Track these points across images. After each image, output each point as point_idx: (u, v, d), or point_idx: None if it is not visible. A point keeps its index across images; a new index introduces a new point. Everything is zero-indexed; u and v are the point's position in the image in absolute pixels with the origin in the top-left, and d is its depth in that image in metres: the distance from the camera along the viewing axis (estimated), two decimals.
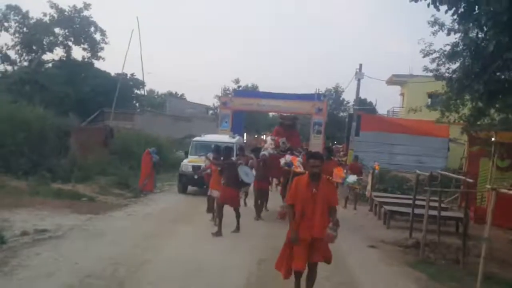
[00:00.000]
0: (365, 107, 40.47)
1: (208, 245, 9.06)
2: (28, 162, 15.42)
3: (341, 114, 51.27)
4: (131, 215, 11.80)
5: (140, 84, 56.86)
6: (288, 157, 11.51)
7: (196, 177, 14.95)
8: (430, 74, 11.29)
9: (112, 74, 48.43)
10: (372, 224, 12.93)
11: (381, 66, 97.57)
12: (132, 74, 54.32)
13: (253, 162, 12.75)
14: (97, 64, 40.76)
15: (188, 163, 16.53)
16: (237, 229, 10.37)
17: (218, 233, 9.85)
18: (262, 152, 12.79)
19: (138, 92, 58.45)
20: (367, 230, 11.73)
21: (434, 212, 10.79)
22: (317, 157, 6.00)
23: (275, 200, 13.25)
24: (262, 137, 66.36)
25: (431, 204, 11.71)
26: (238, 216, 10.45)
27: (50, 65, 39.49)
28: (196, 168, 14.90)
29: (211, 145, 15.58)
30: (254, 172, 12.10)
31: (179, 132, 39.56)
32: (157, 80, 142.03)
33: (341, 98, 51.85)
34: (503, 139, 11.60)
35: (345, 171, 10.83)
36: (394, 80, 38.23)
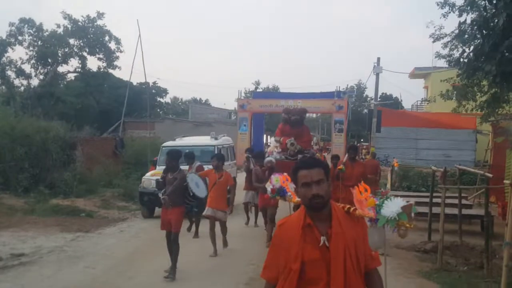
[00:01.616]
0: (387, 102, 39.23)
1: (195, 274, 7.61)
2: (29, 177, 14.86)
3: (365, 111, 49.98)
4: (123, 231, 11.06)
5: (163, 92, 57.29)
6: (275, 179, 6.70)
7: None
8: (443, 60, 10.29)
9: (134, 83, 49.15)
10: None
11: (405, 59, 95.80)
12: (154, 83, 54.74)
13: (258, 171, 9.94)
14: (117, 73, 40.57)
15: (151, 177, 12.68)
16: (171, 274, 7.19)
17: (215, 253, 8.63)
18: (268, 158, 9.92)
19: (162, 100, 59.01)
20: None
21: (456, 211, 9.81)
22: (310, 164, 2.74)
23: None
24: None
25: (453, 202, 10.75)
26: (176, 249, 7.35)
27: (72, 77, 39.72)
28: (161, 184, 10.75)
29: (185, 150, 11.81)
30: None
31: None
32: (183, 86, 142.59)
33: (364, 95, 50.56)
34: None
35: (381, 189, 7.03)
36: (417, 73, 36.90)
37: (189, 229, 10.31)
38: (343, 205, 2.84)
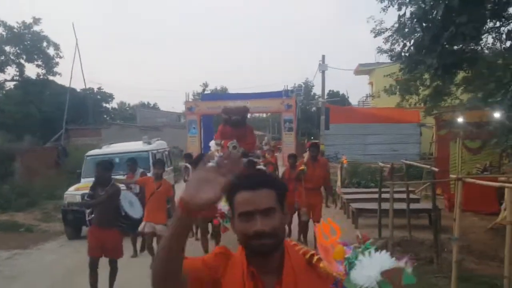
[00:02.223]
0: (334, 99, 39.62)
1: None
2: None
3: (313, 109, 50.36)
4: (64, 245, 10.45)
5: (109, 97, 55.91)
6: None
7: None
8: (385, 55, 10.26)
9: (78, 89, 47.62)
10: (340, 225, 11.53)
11: (350, 56, 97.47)
12: (99, 88, 53.33)
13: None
14: (59, 80, 39.10)
15: (75, 191, 11.16)
16: None
17: None
18: (208, 165, 8.10)
19: (108, 105, 57.59)
20: None
21: (405, 206, 9.80)
22: (255, 183, 1.80)
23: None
24: None
25: (402, 196, 10.74)
26: (114, 274, 6.61)
27: (11, 85, 38.01)
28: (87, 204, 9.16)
29: (114, 159, 11.34)
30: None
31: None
32: (129, 92, 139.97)
33: (312, 93, 50.95)
34: (471, 119, 10.61)
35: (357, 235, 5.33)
36: (361, 69, 37.47)
37: (135, 255, 8.87)
38: (304, 250, 1.84)
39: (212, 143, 10.02)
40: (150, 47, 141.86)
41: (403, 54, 7.98)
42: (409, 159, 18.70)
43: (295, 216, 9.41)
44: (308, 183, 8.88)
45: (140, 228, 7.68)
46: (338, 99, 43.45)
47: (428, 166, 8.41)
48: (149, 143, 13.15)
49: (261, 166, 9.01)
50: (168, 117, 56.48)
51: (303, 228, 9.31)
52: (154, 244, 7.61)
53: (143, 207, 7.79)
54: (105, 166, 6.52)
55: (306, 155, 9.47)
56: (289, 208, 9.17)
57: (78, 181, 12.18)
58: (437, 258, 7.31)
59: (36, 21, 35.35)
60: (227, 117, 9.91)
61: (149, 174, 9.86)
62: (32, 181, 16.40)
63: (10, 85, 38.53)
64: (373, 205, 10.23)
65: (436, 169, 7.41)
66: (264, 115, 65.25)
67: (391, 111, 24.57)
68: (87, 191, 9.69)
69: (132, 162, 9.96)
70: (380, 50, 10.27)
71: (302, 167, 8.95)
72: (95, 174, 6.61)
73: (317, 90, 55.79)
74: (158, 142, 13.92)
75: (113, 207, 6.35)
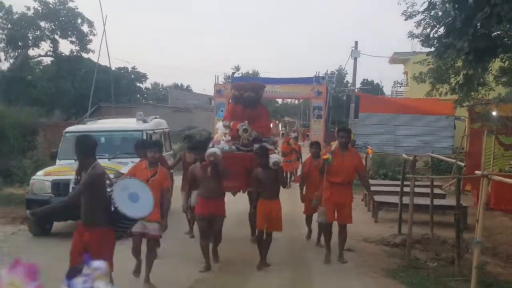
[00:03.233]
0: (366, 87, 38.68)
1: None
2: None
3: (344, 97, 49.43)
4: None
5: (142, 77, 56.18)
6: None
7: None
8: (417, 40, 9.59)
9: (113, 68, 48.01)
10: (359, 217, 10.79)
11: (386, 44, 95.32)
12: (133, 68, 53.61)
13: (195, 169, 6.96)
14: (96, 58, 39.41)
15: (44, 177, 9.11)
16: None
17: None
18: (210, 150, 6.90)
19: (141, 85, 57.90)
20: (350, 226, 9.99)
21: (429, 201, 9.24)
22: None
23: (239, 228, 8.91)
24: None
25: (426, 191, 10.15)
26: None
27: (48, 61, 38.48)
28: (62, 188, 8.54)
29: (99, 137, 9.14)
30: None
31: (179, 124, 38.50)
32: (163, 72, 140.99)
33: (345, 81, 49.92)
34: (506, 112, 9.90)
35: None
36: (396, 58, 36.37)
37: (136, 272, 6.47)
38: None
39: (219, 125, 8.50)
40: (187, 28, 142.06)
41: (432, 36, 7.35)
42: (441, 152, 18.00)
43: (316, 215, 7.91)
44: (335, 177, 7.13)
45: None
46: (369, 88, 42.34)
47: (453, 160, 7.79)
48: (144, 121, 10.86)
49: (275, 154, 7.55)
50: (199, 99, 56.47)
51: (323, 230, 7.58)
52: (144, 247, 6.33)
53: None
54: (84, 145, 4.87)
55: (334, 143, 8.27)
56: (308, 206, 8.09)
57: (54, 162, 10.27)
58: (459, 259, 6.76)
59: None
60: (238, 94, 8.33)
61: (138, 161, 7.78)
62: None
63: (47, 61, 39.07)
64: (395, 199, 9.67)
65: (463, 164, 6.82)
66: (296, 101, 64.54)
67: (425, 102, 23.72)
68: (60, 177, 8.78)
69: (142, 145, 7.48)
70: (412, 35, 9.62)
71: (327, 155, 7.14)
72: (76, 156, 5.07)
73: (350, 78, 54.84)
74: (155, 121, 11.60)
75: (97, 200, 4.72)
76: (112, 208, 4.66)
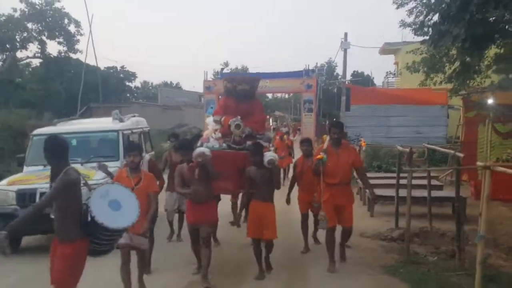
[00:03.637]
0: (357, 79, 38.50)
1: None
2: None
3: (335, 90, 49.26)
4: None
5: (131, 76, 55.76)
6: None
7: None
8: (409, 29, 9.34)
9: (102, 68, 47.63)
10: (354, 212, 10.56)
11: (376, 35, 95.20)
12: (122, 67, 53.21)
13: (182, 169, 6.30)
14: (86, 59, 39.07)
15: (8, 186, 7.94)
16: None
17: None
18: (199, 149, 6.31)
19: (130, 84, 57.47)
20: None
21: (426, 193, 9.05)
22: None
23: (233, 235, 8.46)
24: None
25: (423, 182, 9.99)
26: None
27: (37, 63, 38.11)
28: (28, 199, 7.51)
29: (70, 140, 8.28)
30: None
31: (170, 122, 38.24)
32: (152, 71, 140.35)
33: (335, 73, 49.77)
34: (502, 100, 9.71)
35: None
36: (387, 48, 36.18)
37: None
38: None
39: (209, 120, 7.84)
40: (175, 25, 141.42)
41: (426, 23, 7.12)
42: (435, 142, 17.83)
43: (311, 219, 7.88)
44: (331, 177, 6.53)
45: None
46: (360, 79, 42.16)
47: (452, 151, 7.59)
48: (120, 120, 9.77)
49: (271, 152, 6.98)
50: (189, 97, 56.07)
51: (326, 238, 6.79)
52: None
53: None
54: (53, 148, 4.18)
55: (326, 137, 7.52)
56: (304, 205, 7.78)
57: (21, 169, 9.23)
58: (460, 252, 6.58)
59: None
60: (231, 87, 7.66)
61: (113, 165, 7.74)
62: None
63: (36, 62, 38.65)
64: (391, 192, 9.47)
65: (461, 155, 6.60)
66: (286, 95, 64.35)
67: (416, 92, 23.60)
68: (26, 186, 7.74)
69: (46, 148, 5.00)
70: (403, 24, 9.38)
71: (321, 155, 6.51)
72: (46, 160, 4.30)
73: (340, 70, 54.71)
74: (133, 119, 10.50)
75: (70, 210, 4.05)
76: (89, 218, 3.98)
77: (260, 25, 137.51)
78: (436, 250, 7.50)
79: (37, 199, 7.26)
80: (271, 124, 55.30)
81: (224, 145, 7.11)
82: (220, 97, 28.98)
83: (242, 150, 7.00)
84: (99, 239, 4.14)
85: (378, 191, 10.62)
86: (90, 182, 5.41)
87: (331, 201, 6.53)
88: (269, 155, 6.48)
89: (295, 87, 28.24)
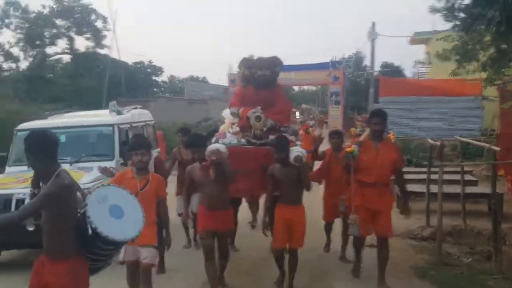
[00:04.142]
0: (386, 70, 37.65)
1: None
2: None
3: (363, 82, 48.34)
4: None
5: (158, 70, 56.19)
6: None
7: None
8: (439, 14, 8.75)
9: (130, 63, 48.15)
10: None
11: (405, 25, 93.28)
12: (149, 62, 53.62)
13: (192, 171, 5.54)
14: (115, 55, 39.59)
15: None
16: None
17: None
18: (213, 146, 5.50)
19: (157, 79, 57.91)
20: None
21: (459, 189, 8.55)
22: None
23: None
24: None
25: (456, 178, 9.47)
26: None
27: (68, 59, 38.54)
28: (2, 206, 6.42)
29: (58, 136, 4.68)
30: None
31: (196, 116, 38.14)
32: (179, 65, 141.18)
33: (363, 64, 48.80)
34: None
35: None
36: (417, 38, 35.15)
37: None
38: None
39: (225, 113, 7.00)
40: (202, 19, 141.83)
41: (457, 6, 6.59)
42: (468, 135, 17.14)
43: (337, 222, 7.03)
44: (365, 175, 5.54)
45: (120, 257, 4.67)
46: (388, 70, 41.17)
47: (487, 144, 7.08)
48: (119, 113, 8.43)
49: (298, 147, 5.92)
50: (215, 90, 55.96)
51: (354, 244, 6.06)
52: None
53: None
54: (41, 145, 3.41)
55: (354, 130, 7.25)
56: (329, 211, 6.81)
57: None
58: (496, 253, 6.10)
59: None
60: (248, 74, 6.74)
61: (107, 165, 6.73)
62: None
63: (67, 58, 39.15)
64: (421, 188, 8.97)
65: (498, 148, 6.11)
66: (313, 88, 63.55)
67: (448, 82, 22.74)
68: (1, 191, 6.58)
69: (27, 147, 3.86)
70: (433, 9, 8.78)
71: (352, 147, 5.55)
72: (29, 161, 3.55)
73: (369, 61, 53.66)
74: (134, 112, 9.22)
75: (64, 221, 3.37)
76: (90, 230, 3.25)
77: (287, 17, 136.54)
78: (470, 250, 7.03)
79: (13, 207, 6.22)
80: (297, 117, 54.94)
81: (243, 140, 6.32)
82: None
83: (264, 145, 6.19)
84: (96, 255, 3.44)
85: (408, 187, 10.16)
86: None
87: (364, 205, 5.52)
88: (296, 150, 5.54)
89: (322, 79, 27.81)
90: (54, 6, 35.60)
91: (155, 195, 4.74)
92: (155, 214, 4.73)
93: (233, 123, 6.66)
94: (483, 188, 9.87)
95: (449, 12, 6.76)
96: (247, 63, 6.90)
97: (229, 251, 5.84)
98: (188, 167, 5.69)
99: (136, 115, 9.23)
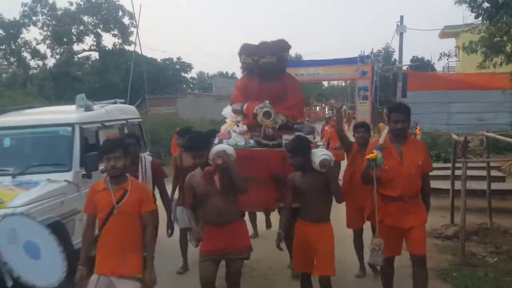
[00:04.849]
0: (414, 64, 36.88)
1: None
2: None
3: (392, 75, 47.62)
4: None
5: (187, 67, 56.42)
6: None
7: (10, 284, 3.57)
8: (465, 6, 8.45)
9: (158, 59, 48.53)
10: None
11: (435, 18, 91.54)
12: (178, 58, 53.87)
13: (193, 179, 4.40)
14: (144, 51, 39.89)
15: None
16: None
17: None
18: (217, 148, 4.30)
19: (186, 75, 58.21)
20: None
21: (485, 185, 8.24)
22: None
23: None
24: (314, 108, 63.97)
25: (482, 173, 9.13)
26: None
27: (96, 56, 39.03)
28: None
29: (2, 139, 6.21)
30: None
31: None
32: (208, 61, 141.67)
33: (392, 59, 47.99)
34: None
35: None
36: (447, 31, 34.39)
37: None
38: None
39: (227, 111, 6.15)
40: (230, 14, 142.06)
41: None
42: (499, 129, 16.68)
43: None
44: (389, 188, 4.31)
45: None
46: (417, 64, 40.34)
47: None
48: (88, 109, 6.58)
49: (323, 149, 4.86)
50: None
51: (382, 271, 4.83)
52: None
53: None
54: None
55: (384, 127, 5.50)
56: (354, 215, 5.57)
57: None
58: None
59: None
60: (251, 62, 5.71)
61: (61, 177, 5.48)
62: None
63: (95, 55, 39.65)
64: (447, 184, 8.69)
65: None
66: (343, 83, 62.95)
67: (478, 76, 22.25)
68: None
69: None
70: (460, 0, 8.48)
71: (374, 152, 4.15)
72: None
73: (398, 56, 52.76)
74: (110, 108, 7.28)
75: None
76: (9, 282, 2.65)
77: (314, 11, 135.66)
78: (496, 250, 6.72)
79: None
80: (326, 112, 54.43)
81: (252, 141, 5.36)
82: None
83: (277, 147, 5.23)
84: None
85: (433, 183, 9.88)
86: (2, 211, 3.80)
87: (388, 223, 4.37)
88: (321, 153, 4.41)
89: (350, 74, 27.35)
90: (81, 3, 35.94)
91: (137, 210, 3.72)
92: (141, 236, 3.73)
93: (237, 122, 5.76)
94: (511, 184, 9.54)
95: (473, 1, 6.47)
96: (248, 50, 5.84)
97: (240, 282, 4.52)
98: (188, 175, 4.52)
99: (112, 111, 7.30)
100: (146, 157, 5.72)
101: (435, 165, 12.96)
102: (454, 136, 8.20)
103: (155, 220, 3.92)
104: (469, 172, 7.82)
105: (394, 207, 4.35)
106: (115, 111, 7.44)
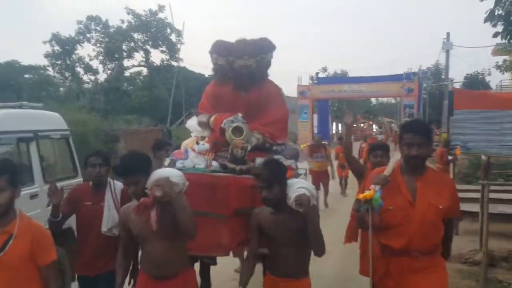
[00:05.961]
0: (463, 81, 35.73)
1: None
2: None
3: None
4: None
5: None
6: None
7: None
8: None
9: (206, 75, 49.35)
10: None
11: (487, 34, 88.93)
12: None
13: (125, 214, 3.29)
14: (191, 67, 40.85)
15: None
16: None
17: None
18: (157, 174, 3.18)
19: None
20: None
21: None
22: None
23: None
24: (361, 125, 62.69)
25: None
26: None
27: (145, 71, 40.07)
28: None
29: None
30: None
31: None
32: None
33: (443, 76, 46.83)
34: None
35: None
36: (499, 49, 33.13)
37: None
38: None
39: (191, 123, 4.97)
40: (273, 31, 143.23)
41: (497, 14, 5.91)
42: None
43: None
44: (393, 237, 3.13)
45: None
46: (465, 81, 39.06)
47: None
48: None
49: (302, 180, 3.78)
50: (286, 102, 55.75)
51: None
52: None
53: None
54: None
55: (393, 157, 3.56)
56: (366, 263, 3.65)
57: None
58: None
59: (161, 8, 37.13)
60: (224, 64, 4.57)
61: None
62: None
63: (145, 71, 40.73)
64: (475, 207, 8.26)
65: None
66: (392, 100, 61.74)
67: None
68: None
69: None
70: (490, 17, 8.02)
71: (371, 190, 2.98)
72: None
73: (451, 74, 51.28)
74: (7, 114, 5.39)
75: None
76: None
77: (362, 29, 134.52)
78: None
79: None
80: (374, 130, 53.58)
81: (215, 164, 4.29)
82: (314, 102, 28.04)
83: (246, 173, 4.08)
84: None
85: (463, 206, 9.43)
86: None
87: (391, 286, 3.17)
88: (298, 185, 3.36)
89: (395, 91, 26.94)
90: (132, 21, 37.12)
91: (30, 263, 2.71)
92: None
93: (200, 138, 4.68)
94: None
95: (488, 18, 6.11)
96: (222, 49, 4.63)
97: None
98: (122, 208, 3.49)
99: (12, 119, 5.35)
100: (116, 183, 4.29)
101: (468, 187, 12.47)
102: (483, 157, 7.78)
103: (53, 273, 2.83)
104: (502, 195, 7.40)
105: (397, 265, 3.12)
106: (11, 119, 5.34)
